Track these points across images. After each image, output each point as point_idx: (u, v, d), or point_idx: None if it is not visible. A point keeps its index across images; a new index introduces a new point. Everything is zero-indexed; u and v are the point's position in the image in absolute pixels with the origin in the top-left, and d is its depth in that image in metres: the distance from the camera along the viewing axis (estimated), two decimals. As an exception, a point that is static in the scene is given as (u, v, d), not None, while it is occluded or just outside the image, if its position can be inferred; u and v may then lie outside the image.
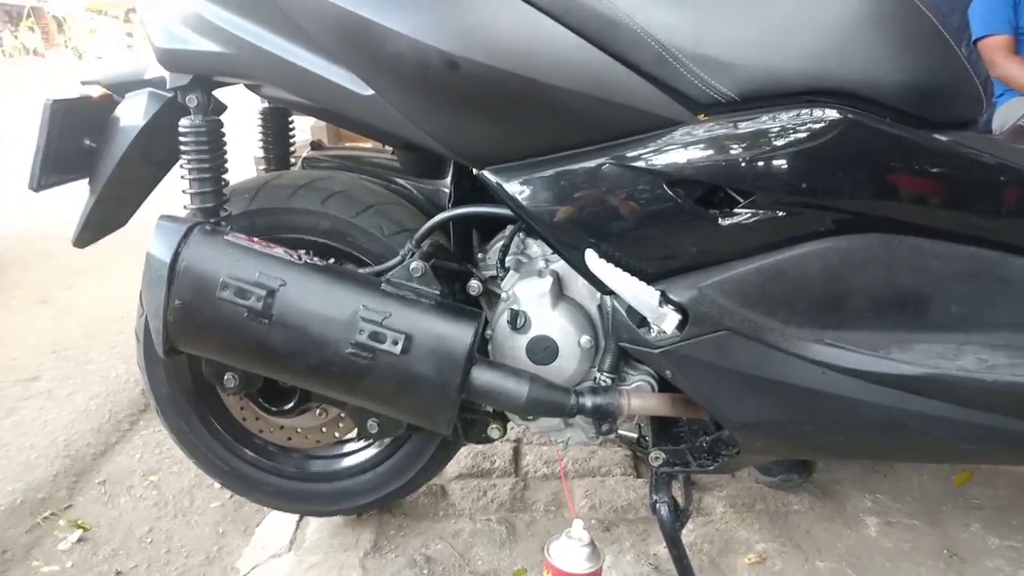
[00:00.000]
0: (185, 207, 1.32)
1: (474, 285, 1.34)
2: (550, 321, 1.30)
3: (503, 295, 1.33)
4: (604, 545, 1.59)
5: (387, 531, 1.64)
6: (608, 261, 1.17)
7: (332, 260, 1.53)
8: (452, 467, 1.83)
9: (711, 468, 1.36)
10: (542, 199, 1.17)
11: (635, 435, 1.42)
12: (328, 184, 1.43)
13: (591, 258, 1.17)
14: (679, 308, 1.17)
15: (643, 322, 1.21)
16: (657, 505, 1.35)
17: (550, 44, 1.11)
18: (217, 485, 1.91)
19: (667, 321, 1.16)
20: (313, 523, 1.67)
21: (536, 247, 1.34)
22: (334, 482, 1.59)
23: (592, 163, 1.16)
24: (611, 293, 1.21)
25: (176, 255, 1.21)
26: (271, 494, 1.61)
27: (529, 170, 1.18)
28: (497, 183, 1.19)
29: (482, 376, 1.23)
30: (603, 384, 1.30)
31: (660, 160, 1.14)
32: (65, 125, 1.36)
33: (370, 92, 1.16)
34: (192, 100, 1.28)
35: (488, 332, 1.35)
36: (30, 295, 3.17)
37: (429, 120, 1.17)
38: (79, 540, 1.74)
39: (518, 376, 1.25)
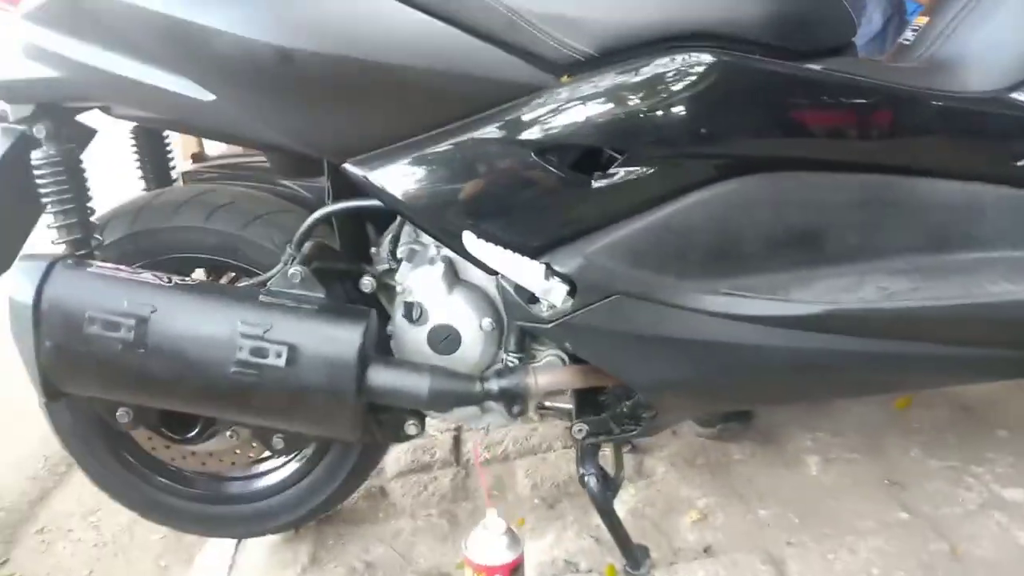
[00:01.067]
0: (53, 242, 1.25)
1: (366, 282, 1.29)
2: (447, 309, 1.25)
3: (397, 288, 1.28)
4: (548, 522, 1.56)
5: (326, 541, 1.59)
6: (489, 241, 1.12)
7: (225, 278, 1.47)
8: (391, 465, 1.79)
9: (634, 433, 1.33)
10: (410, 186, 1.12)
11: (570, 406, 1.38)
12: (211, 198, 1.37)
13: (469, 240, 1.12)
14: (566, 279, 1.12)
15: (533, 298, 1.16)
16: (585, 478, 1.31)
17: (388, 22, 1.05)
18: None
19: (554, 294, 1.12)
20: (251, 543, 1.62)
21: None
22: (257, 502, 1.54)
23: (455, 141, 1.10)
24: (497, 273, 1.17)
25: (39, 295, 1.14)
26: (193, 521, 1.56)
27: (391, 157, 1.12)
28: (361, 176, 1.14)
29: (378, 376, 1.18)
30: (511, 365, 1.26)
31: (525, 129, 1.09)
32: None
33: (211, 97, 1.10)
34: (41, 130, 1.21)
35: (388, 328, 1.30)
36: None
37: (276, 119, 1.12)
38: (14, 591, 1.69)
39: (417, 371, 1.21)
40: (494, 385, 1.22)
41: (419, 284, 1.25)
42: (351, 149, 1.14)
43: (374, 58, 1.05)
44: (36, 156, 1.21)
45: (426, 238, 1.29)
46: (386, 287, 1.32)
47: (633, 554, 1.32)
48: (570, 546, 1.47)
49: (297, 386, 1.15)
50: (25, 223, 1.40)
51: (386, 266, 1.31)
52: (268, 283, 1.21)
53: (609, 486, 1.34)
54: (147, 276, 1.18)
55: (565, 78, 1.10)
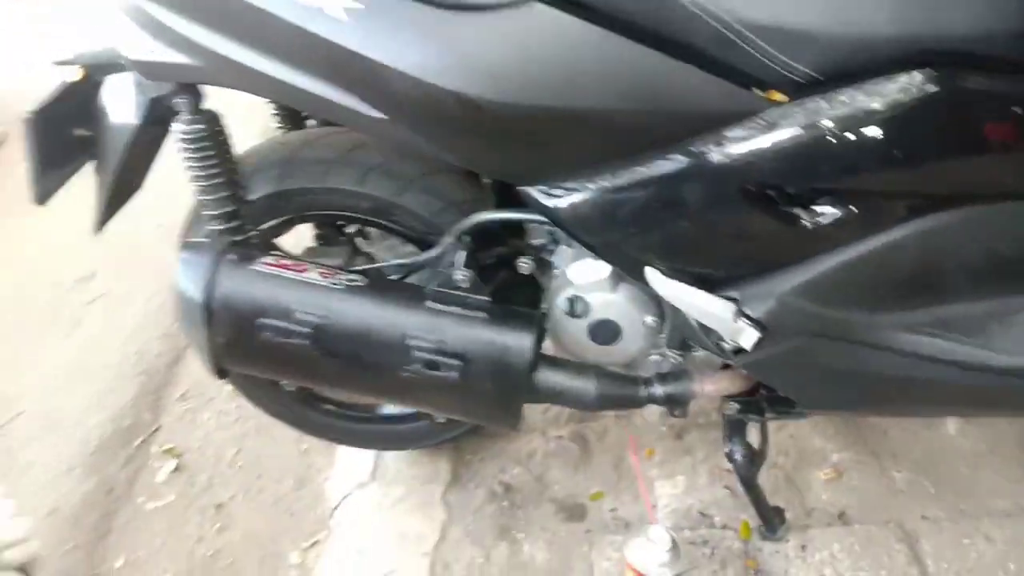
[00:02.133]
0: (208, 228, 1.21)
1: (525, 265, 1.23)
2: (612, 305, 1.21)
3: (555, 273, 1.23)
4: (677, 457, 1.61)
5: (464, 458, 1.68)
6: (674, 277, 1.05)
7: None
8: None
9: (786, 416, 1.32)
10: (592, 216, 1.04)
11: None
12: (361, 157, 1.28)
13: (653, 276, 1.06)
14: (756, 322, 1.06)
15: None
16: (733, 452, 1.33)
17: (583, 64, 0.91)
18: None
19: (744, 337, 1.06)
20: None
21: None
22: (408, 423, 1.61)
23: (645, 173, 1.00)
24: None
25: (208, 295, 1.13)
26: (345, 434, 1.64)
27: (573, 186, 1.03)
28: (540, 202, 1.05)
29: (547, 380, 1.18)
30: (672, 360, 1.24)
31: (730, 159, 0.97)
32: (49, 130, 1.24)
33: (382, 116, 0.99)
34: (179, 104, 1.12)
35: (543, 307, 1.27)
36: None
37: (453, 146, 1.02)
38: (175, 470, 1.84)
39: (584, 374, 1.20)
40: (659, 390, 1.21)
41: (583, 279, 1.20)
42: (530, 177, 1.04)
43: (563, 104, 0.92)
44: (179, 129, 1.14)
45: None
46: (541, 262, 1.26)
47: (770, 518, 1.37)
48: (704, 495, 1.53)
49: (466, 393, 1.15)
50: (155, 149, 1.34)
51: (543, 240, 1.25)
52: (432, 282, 1.17)
53: (755, 461, 1.36)
54: (314, 275, 1.15)
55: (775, 96, 0.96)
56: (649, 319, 1.22)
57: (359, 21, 0.90)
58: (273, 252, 1.21)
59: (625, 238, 1.04)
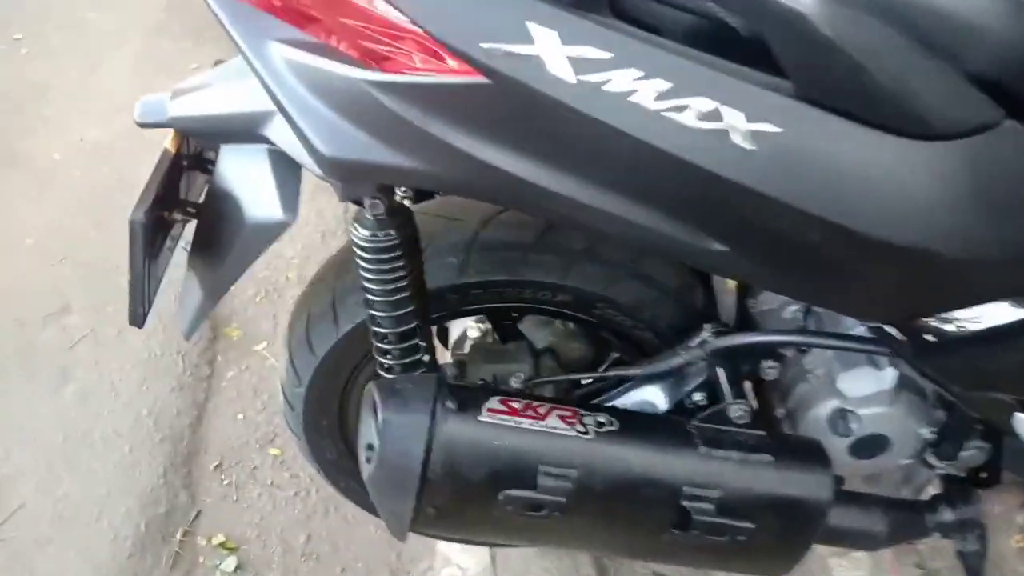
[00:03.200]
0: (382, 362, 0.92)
1: (771, 369, 1.01)
2: (887, 419, 1.01)
3: (809, 379, 1.01)
4: None
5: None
6: (1044, 416, 0.85)
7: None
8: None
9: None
10: (974, 361, 0.81)
11: None
12: (562, 241, 1.01)
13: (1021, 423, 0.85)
14: None
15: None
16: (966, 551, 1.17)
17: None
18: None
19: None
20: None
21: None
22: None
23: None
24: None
25: (427, 460, 0.85)
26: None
27: (956, 324, 0.80)
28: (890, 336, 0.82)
29: (838, 523, 0.97)
30: (947, 475, 1.06)
31: None
32: (155, 235, 0.90)
33: (722, 248, 0.73)
34: (376, 207, 0.82)
35: (778, 411, 1.06)
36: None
37: (807, 285, 0.77)
38: (236, 570, 1.54)
39: (870, 508, 1.00)
40: (947, 516, 1.03)
41: (858, 390, 0.99)
42: (887, 316, 0.81)
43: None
44: (361, 236, 0.84)
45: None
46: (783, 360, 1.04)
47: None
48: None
49: (747, 548, 0.93)
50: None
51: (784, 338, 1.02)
52: (697, 415, 0.93)
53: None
54: (554, 420, 0.88)
55: None
56: (926, 431, 1.02)
57: (768, 150, 0.62)
58: (490, 388, 0.93)
59: (1006, 382, 0.82)
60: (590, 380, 1.03)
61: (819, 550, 1.42)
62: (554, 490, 0.85)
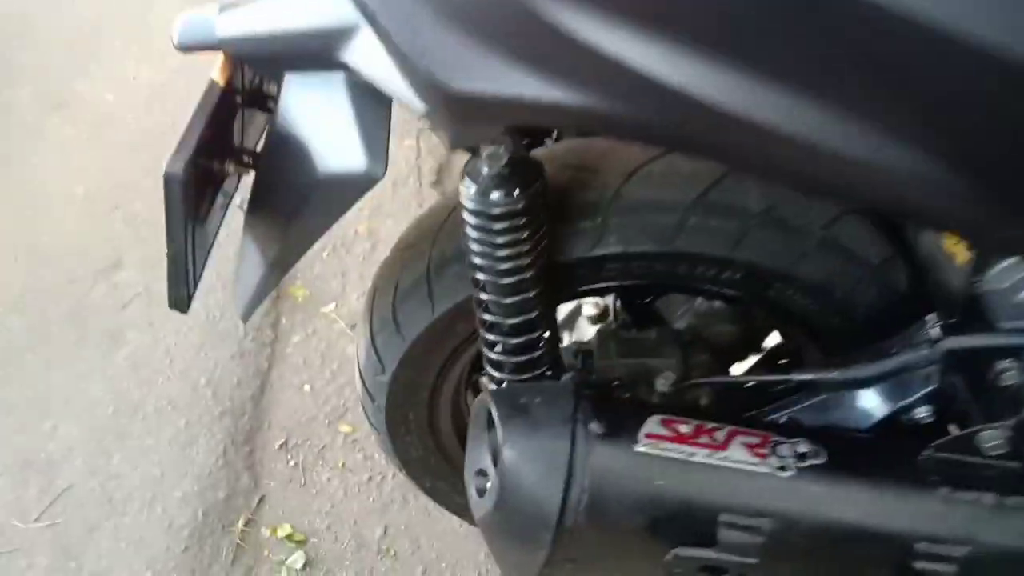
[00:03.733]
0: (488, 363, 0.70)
1: (993, 441, 0.70)
2: None
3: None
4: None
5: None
6: None
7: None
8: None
9: None
10: None
11: None
12: (740, 201, 0.75)
13: None
14: None
15: None
16: None
17: None
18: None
19: None
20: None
21: None
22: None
23: None
24: None
25: (566, 496, 0.62)
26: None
27: None
28: None
29: None
30: None
31: None
32: (201, 192, 0.68)
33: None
34: (497, 156, 0.59)
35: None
36: (38, 98, 2.33)
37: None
38: (305, 567, 1.35)
39: None
40: None
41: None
42: None
43: None
44: (478, 197, 0.61)
45: None
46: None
47: None
48: None
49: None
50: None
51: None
52: (937, 443, 0.67)
53: None
54: (739, 452, 0.64)
55: None
56: None
57: None
58: (646, 406, 0.69)
59: None
60: (760, 383, 0.79)
61: None
62: (741, 548, 0.62)
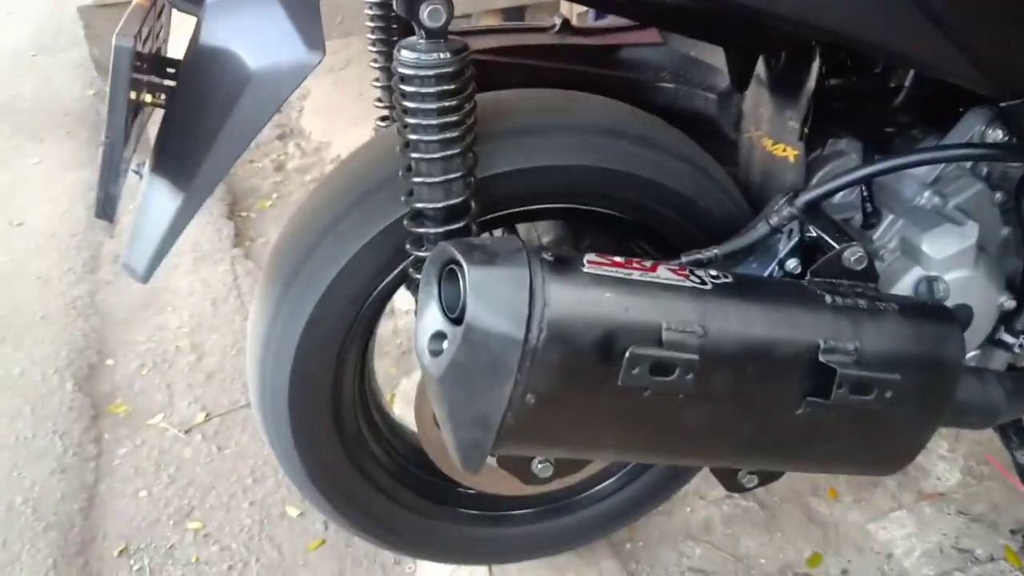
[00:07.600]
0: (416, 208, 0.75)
1: (855, 255, 0.87)
2: (972, 284, 0.92)
3: (889, 249, 0.92)
4: (867, 489, 1.33)
5: (625, 549, 1.25)
6: None
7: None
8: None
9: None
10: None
11: None
12: (658, 134, 0.91)
13: None
14: None
15: None
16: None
17: None
18: (295, 513, 1.40)
19: None
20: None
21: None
22: (557, 518, 1.15)
23: None
24: None
25: (529, 320, 0.66)
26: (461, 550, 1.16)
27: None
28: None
29: (967, 393, 0.86)
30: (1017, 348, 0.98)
31: None
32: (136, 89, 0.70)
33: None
34: (436, 15, 0.68)
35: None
36: None
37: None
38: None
39: (987, 382, 0.90)
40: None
41: (941, 252, 0.90)
42: None
43: None
44: (410, 58, 0.70)
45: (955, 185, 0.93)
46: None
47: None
48: (943, 527, 1.26)
49: (884, 424, 0.79)
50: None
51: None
52: (809, 268, 0.80)
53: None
54: (666, 274, 0.72)
55: None
56: (1006, 300, 0.95)
57: None
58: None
59: None
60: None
61: (854, 517, 1.29)
62: (683, 346, 0.68)
